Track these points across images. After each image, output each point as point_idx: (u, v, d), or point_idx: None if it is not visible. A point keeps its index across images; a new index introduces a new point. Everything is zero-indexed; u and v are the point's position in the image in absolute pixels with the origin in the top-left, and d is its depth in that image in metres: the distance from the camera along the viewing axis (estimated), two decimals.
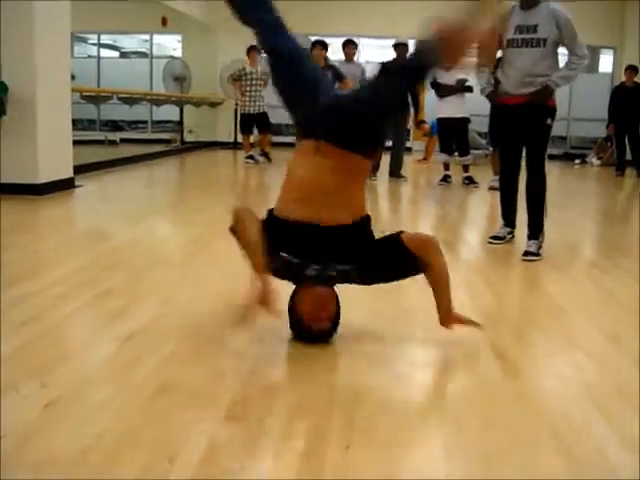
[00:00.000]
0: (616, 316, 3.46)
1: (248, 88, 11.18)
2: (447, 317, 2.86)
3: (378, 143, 3.12)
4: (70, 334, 3.03)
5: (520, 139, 4.83)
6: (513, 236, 5.17)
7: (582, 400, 2.40)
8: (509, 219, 5.18)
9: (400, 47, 9.08)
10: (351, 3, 13.67)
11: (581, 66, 4.63)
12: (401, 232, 2.81)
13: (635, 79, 11.78)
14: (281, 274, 2.79)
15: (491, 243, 5.11)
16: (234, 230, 2.89)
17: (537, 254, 4.65)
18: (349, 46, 9.78)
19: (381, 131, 3.02)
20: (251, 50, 10.98)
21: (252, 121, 11.40)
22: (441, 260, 2.85)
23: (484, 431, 2.14)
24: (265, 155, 11.47)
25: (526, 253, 4.67)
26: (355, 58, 10.05)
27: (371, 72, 9.61)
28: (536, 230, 4.77)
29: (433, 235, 2.95)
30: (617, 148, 12.03)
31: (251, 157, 11.32)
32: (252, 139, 11.79)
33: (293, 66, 2.97)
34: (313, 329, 2.74)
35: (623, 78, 11.95)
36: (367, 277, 2.82)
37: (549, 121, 4.71)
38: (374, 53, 15.33)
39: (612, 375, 2.64)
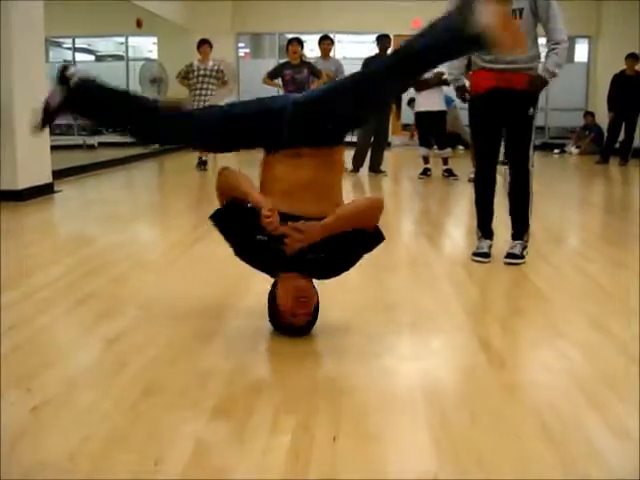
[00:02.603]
0: (601, 305, 3.47)
1: (197, 86, 10.06)
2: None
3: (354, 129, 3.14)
4: (54, 339, 3.00)
5: (498, 131, 4.41)
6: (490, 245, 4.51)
7: (569, 389, 2.41)
8: (487, 229, 4.54)
9: (383, 39, 9.12)
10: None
11: (563, 50, 4.18)
12: None
13: (636, 67, 11.80)
14: (257, 260, 2.81)
15: (477, 261, 4.36)
16: (221, 190, 2.88)
17: (521, 256, 4.31)
18: (325, 42, 9.78)
19: (355, 120, 3.02)
20: (202, 44, 10.13)
21: None
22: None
23: (471, 423, 2.14)
24: (203, 163, 10.15)
25: (509, 255, 4.32)
26: (331, 54, 10.03)
27: (348, 68, 9.67)
28: (521, 230, 4.39)
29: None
30: (609, 136, 12.06)
31: (203, 162, 10.12)
32: None
33: (235, 126, 2.94)
34: (294, 323, 2.75)
35: (600, 67, 11.95)
36: (336, 266, 2.83)
37: (531, 111, 4.27)
38: (351, 49, 15.37)
39: (599, 364, 2.65)
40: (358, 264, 2.86)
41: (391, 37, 9.53)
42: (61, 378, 2.46)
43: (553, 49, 4.19)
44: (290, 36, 9.79)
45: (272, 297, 2.80)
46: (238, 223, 2.75)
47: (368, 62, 9.08)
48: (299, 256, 2.65)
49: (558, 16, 4.16)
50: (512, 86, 4.19)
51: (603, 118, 12.36)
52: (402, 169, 11.08)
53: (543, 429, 2.09)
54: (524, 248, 4.37)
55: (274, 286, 2.82)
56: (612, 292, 3.72)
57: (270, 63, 9.61)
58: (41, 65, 7.40)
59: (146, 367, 2.55)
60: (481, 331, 2.98)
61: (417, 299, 3.51)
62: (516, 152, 4.38)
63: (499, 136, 4.46)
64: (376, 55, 9.32)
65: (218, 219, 2.83)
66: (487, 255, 4.41)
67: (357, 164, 9.45)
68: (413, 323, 3.10)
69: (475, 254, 4.42)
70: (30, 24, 6.98)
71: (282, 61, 9.79)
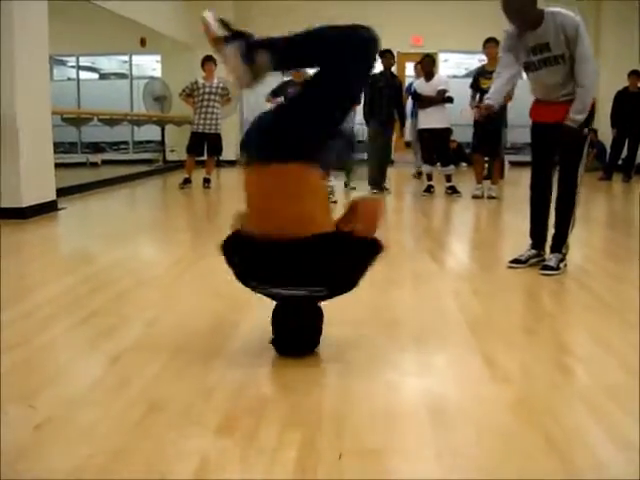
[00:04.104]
0: (605, 320, 3.47)
1: (202, 103, 10.07)
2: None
3: (313, 149, 2.80)
4: (57, 356, 3.00)
5: (554, 152, 4.55)
6: (542, 259, 4.61)
7: (574, 404, 2.40)
8: (538, 239, 4.69)
9: (386, 55, 9.17)
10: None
11: (588, 93, 4.27)
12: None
13: (639, 84, 11.83)
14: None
15: (511, 267, 4.59)
16: None
17: (556, 268, 4.41)
18: None
19: (310, 136, 2.79)
20: (206, 61, 10.02)
21: (203, 141, 10.18)
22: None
23: (477, 437, 2.13)
24: (206, 181, 10.13)
25: (544, 267, 4.45)
26: None
27: None
28: (559, 242, 4.52)
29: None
30: (612, 153, 12.07)
31: (188, 181, 10.03)
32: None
33: None
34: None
35: (602, 85, 11.98)
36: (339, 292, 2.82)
37: (585, 131, 4.40)
38: None
39: (602, 378, 2.64)
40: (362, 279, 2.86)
41: (394, 53, 9.59)
42: (64, 395, 2.46)
43: (579, 95, 4.28)
44: None
45: (275, 316, 2.81)
46: (243, 254, 2.78)
47: (373, 79, 9.14)
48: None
49: (587, 50, 4.24)
50: (561, 119, 4.34)
51: (606, 135, 12.37)
52: (405, 186, 11.08)
53: (548, 442, 2.08)
54: (561, 260, 4.49)
55: (277, 308, 2.86)
56: (615, 307, 3.72)
57: (274, 81, 9.62)
58: (45, 83, 7.44)
59: (150, 384, 2.55)
60: (485, 347, 2.98)
61: (421, 315, 3.50)
62: (566, 168, 4.50)
63: (553, 155, 4.59)
64: (381, 72, 9.37)
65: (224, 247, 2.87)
66: (519, 262, 4.62)
67: (376, 183, 9.43)
68: (417, 339, 3.10)
69: (512, 260, 4.66)
70: (35, 42, 7.03)
71: (286, 79, 9.80)
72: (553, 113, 4.42)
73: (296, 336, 2.80)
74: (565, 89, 4.34)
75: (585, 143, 4.47)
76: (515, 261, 4.63)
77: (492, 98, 4.63)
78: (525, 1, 4.20)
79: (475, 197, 8.82)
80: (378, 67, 9.45)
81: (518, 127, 9.06)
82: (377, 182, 9.37)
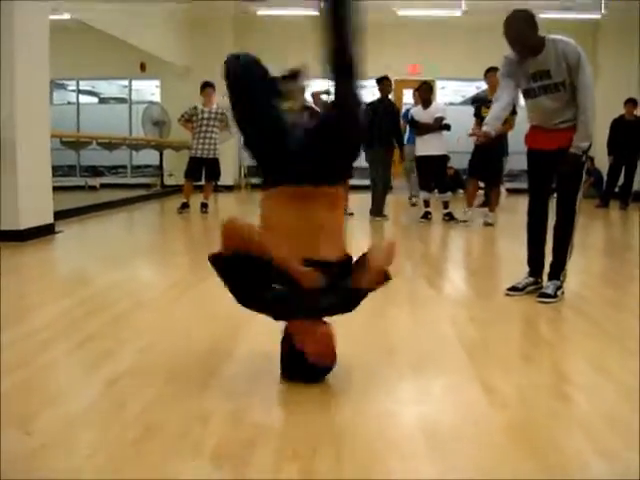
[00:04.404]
0: (602, 347, 3.46)
1: (201, 129, 10.12)
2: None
3: (349, 170, 3.16)
4: (54, 379, 2.98)
5: (551, 178, 4.57)
6: (539, 286, 4.61)
7: (573, 432, 2.39)
8: (535, 266, 4.70)
9: (383, 82, 9.25)
10: None
11: (589, 118, 4.29)
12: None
13: (635, 112, 11.94)
14: (270, 307, 2.75)
15: (508, 295, 4.57)
16: (228, 240, 2.71)
17: (554, 296, 4.40)
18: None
19: (350, 159, 3.01)
20: (205, 87, 10.19)
21: (201, 166, 10.20)
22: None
23: (474, 464, 2.12)
24: (204, 206, 10.13)
25: (542, 295, 4.44)
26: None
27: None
28: (557, 270, 4.50)
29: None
30: (609, 181, 12.14)
31: (186, 205, 10.07)
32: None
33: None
34: (327, 365, 2.75)
35: (597, 113, 12.04)
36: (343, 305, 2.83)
37: (584, 158, 4.41)
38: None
39: (601, 406, 2.63)
40: (359, 306, 2.86)
41: (391, 80, 9.65)
42: (61, 419, 2.45)
43: (581, 121, 4.31)
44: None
45: (290, 342, 2.77)
46: (248, 276, 2.69)
47: (372, 106, 9.20)
48: (314, 302, 2.66)
49: (588, 78, 4.26)
50: (560, 145, 4.37)
51: (602, 163, 12.43)
52: (403, 213, 11.09)
53: (547, 471, 2.07)
54: (558, 288, 4.48)
55: (288, 335, 2.80)
56: (614, 334, 3.71)
57: None
58: (45, 107, 7.47)
59: (146, 408, 2.54)
60: (483, 374, 2.97)
61: (418, 341, 3.50)
62: (564, 195, 4.50)
63: (551, 181, 4.63)
64: (379, 99, 9.42)
65: (221, 266, 2.74)
66: (516, 289, 4.60)
67: (378, 210, 9.46)
68: (415, 365, 3.09)
69: (509, 287, 4.63)
70: (36, 66, 7.08)
71: None
72: (550, 140, 4.44)
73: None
74: (564, 116, 4.37)
75: (583, 170, 4.49)
76: (512, 289, 4.62)
77: (489, 124, 4.62)
78: (526, 27, 4.24)
79: (463, 221, 8.84)
80: (376, 94, 9.51)
81: (515, 154, 9.09)
82: (379, 210, 9.38)
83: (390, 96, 9.79)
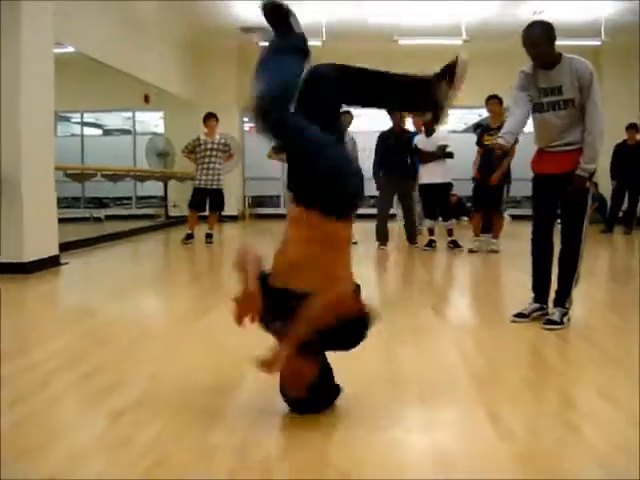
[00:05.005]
0: (609, 374, 3.44)
1: (202, 160, 10.19)
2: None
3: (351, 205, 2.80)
4: (60, 413, 2.97)
5: (555, 204, 4.56)
6: (545, 312, 4.59)
7: (581, 461, 2.37)
8: (540, 293, 4.67)
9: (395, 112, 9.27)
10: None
11: (596, 139, 4.31)
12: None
13: (638, 137, 11.99)
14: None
15: (514, 321, 4.57)
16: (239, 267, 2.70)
17: (560, 322, 4.39)
18: (345, 116, 9.83)
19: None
20: (208, 118, 10.36)
21: (205, 197, 10.26)
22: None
23: None
24: (208, 236, 10.17)
25: (548, 322, 4.42)
26: (349, 128, 9.94)
27: (364, 140, 9.79)
28: (563, 297, 4.49)
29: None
30: (613, 206, 12.14)
31: (191, 236, 10.10)
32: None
33: None
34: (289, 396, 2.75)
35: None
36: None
37: (588, 184, 4.44)
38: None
39: (610, 434, 2.61)
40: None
41: None
42: (68, 451, 2.44)
43: (587, 142, 4.34)
44: None
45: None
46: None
47: (383, 136, 9.28)
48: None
49: (598, 101, 4.31)
50: (565, 169, 4.39)
51: (606, 188, 12.43)
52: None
53: None
54: (564, 315, 4.46)
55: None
56: (620, 360, 3.69)
57: None
58: (50, 139, 7.52)
59: (152, 442, 2.53)
60: (489, 402, 2.95)
61: (424, 370, 3.48)
62: (570, 221, 4.52)
63: (555, 207, 4.62)
64: (391, 129, 9.47)
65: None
66: (522, 315, 4.60)
67: (382, 237, 9.45)
68: (420, 395, 3.07)
69: (515, 314, 4.63)
70: (40, 98, 7.13)
71: None
72: (556, 164, 4.45)
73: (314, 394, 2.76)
74: (570, 136, 4.39)
75: (589, 195, 4.50)
76: (519, 315, 4.61)
77: (505, 137, 4.62)
78: (546, 37, 4.32)
79: (471, 251, 8.84)
80: (388, 124, 9.55)
81: (518, 181, 9.09)
82: (384, 237, 9.36)
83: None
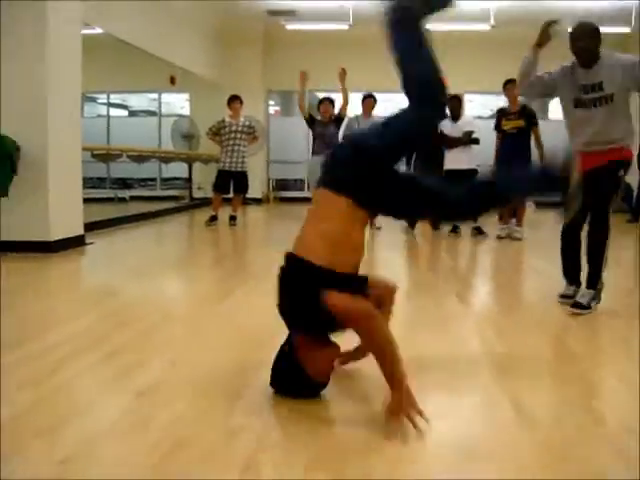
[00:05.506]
0: (632, 361, 3.42)
1: (227, 142, 10.22)
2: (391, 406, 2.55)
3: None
4: (81, 392, 3.00)
5: (589, 196, 4.51)
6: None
7: (604, 450, 2.35)
8: (572, 277, 4.76)
9: None
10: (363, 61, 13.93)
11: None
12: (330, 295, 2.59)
13: None
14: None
15: (563, 304, 4.64)
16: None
17: (587, 307, 4.42)
18: (367, 100, 9.88)
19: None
20: (233, 100, 10.36)
21: (229, 179, 10.29)
22: (373, 334, 2.64)
23: None
24: (232, 218, 10.23)
25: (575, 305, 4.45)
26: (373, 112, 10.02)
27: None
28: (593, 280, 4.50)
29: (369, 305, 2.67)
30: (638, 195, 11.98)
31: (215, 218, 10.16)
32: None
33: None
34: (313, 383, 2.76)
35: None
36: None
37: (621, 172, 4.47)
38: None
39: (632, 422, 2.59)
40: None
41: None
42: (88, 431, 2.46)
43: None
44: (321, 95, 9.90)
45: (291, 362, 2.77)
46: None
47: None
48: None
49: None
50: (604, 162, 4.43)
51: (632, 177, 12.27)
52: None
53: None
54: (593, 299, 4.48)
55: (293, 351, 2.77)
56: None
57: (300, 121, 9.77)
58: (77, 120, 7.56)
59: (174, 422, 2.54)
60: (511, 389, 2.94)
61: (446, 357, 3.47)
62: (599, 203, 4.51)
63: (590, 198, 4.55)
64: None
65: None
66: (572, 297, 4.61)
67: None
68: (442, 381, 3.07)
69: (562, 295, 4.72)
70: (68, 80, 7.17)
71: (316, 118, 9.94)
72: (594, 161, 4.40)
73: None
74: (612, 133, 4.41)
75: (620, 184, 4.53)
76: (564, 296, 4.70)
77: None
78: (594, 33, 4.37)
79: (499, 237, 8.81)
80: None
81: None
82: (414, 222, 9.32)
83: None
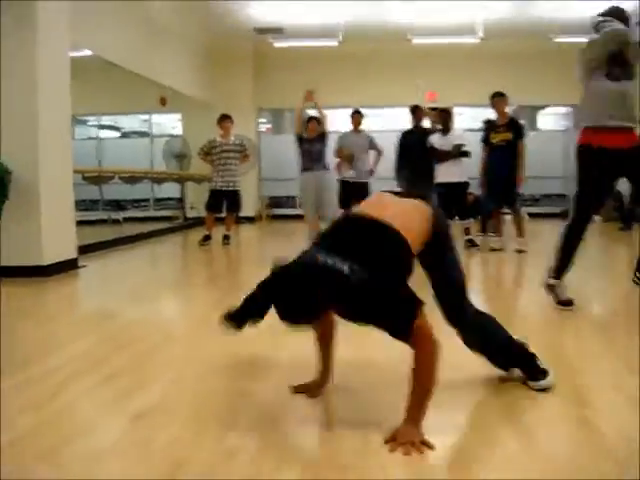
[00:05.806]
0: (628, 374, 3.41)
1: (218, 162, 10.24)
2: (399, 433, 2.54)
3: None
4: (79, 415, 2.99)
5: (611, 187, 4.51)
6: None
7: (598, 460, 2.35)
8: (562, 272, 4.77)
9: (417, 110, 9.34)
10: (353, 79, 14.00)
11: None
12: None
13: None
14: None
15: (566, 309, 4.76)
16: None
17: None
18: (356, 115, 9.98)
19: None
20: (223, 119, 10.39)
21: (222, 198, 10.30)
22: (431, 365, 2.70)
23: None
24: (226, 237, 10.22)
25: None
26: (362, 127, 10.10)
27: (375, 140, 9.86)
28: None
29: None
30: (631, 202, 11.99)
31: (208, 238, 10.11)
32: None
33: None
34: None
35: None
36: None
37: None
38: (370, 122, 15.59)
39: (629, 434, 2.59)
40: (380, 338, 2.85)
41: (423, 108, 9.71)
42: (87, 454, 2.45)
43: None
44: (310, 112, 9.93)
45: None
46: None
47: (406, 135, 9.30)
48: None
49: None
50: (632, 145, 4.35)
51: (624, 185, 12.33)
52: None
53: None
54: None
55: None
56: (632, 354, 3.66)
57: (291, 138, 9.80)
58: (68, 143, 7.57)
59: (173, 443, 2.54)
60: (506, 401, 2.94)
61: (440, 371, 3.47)
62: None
63: (612, 188, 4.61)
64: (412, 129, 9.49)
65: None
66: (571, 302, 4.75)
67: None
68: (436, 396, 3.06)
69: (561, 303, 4.75)
70: (57, 102, 7.19)
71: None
72: (625, 139, 4.35)
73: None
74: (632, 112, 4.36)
75: None
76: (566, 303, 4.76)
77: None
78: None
79: (493, 250, 8.84)
80: (403, 124, 9.59)
81: (534, 179, 9.06)
82: None
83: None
